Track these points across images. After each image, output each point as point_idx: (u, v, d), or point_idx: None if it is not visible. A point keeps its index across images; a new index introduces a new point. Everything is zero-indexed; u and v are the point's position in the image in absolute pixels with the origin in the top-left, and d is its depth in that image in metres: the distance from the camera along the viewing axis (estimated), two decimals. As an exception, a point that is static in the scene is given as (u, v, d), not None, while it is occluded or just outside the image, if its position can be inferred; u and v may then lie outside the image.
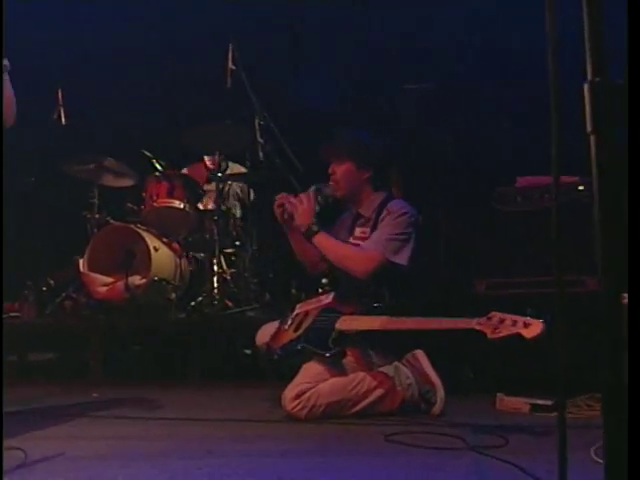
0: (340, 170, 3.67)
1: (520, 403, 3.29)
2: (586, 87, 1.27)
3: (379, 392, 3.27)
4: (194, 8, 5.44)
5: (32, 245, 5.53)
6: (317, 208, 3.65)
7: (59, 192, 5.66)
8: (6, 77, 3.67)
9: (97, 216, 5.27)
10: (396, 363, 3.37)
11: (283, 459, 2.62)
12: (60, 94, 5.33)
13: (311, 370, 3.35)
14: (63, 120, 5.36)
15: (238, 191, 5.52)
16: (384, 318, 3.20)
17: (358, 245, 3.64)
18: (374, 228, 3.62)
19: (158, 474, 2.42)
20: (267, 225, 5.13)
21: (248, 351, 4.16)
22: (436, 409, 3.26)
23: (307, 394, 3.22)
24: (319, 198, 3.68)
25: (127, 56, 5.77)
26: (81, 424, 3.34)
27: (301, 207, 3.61)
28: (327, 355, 3.31)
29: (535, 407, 3.23)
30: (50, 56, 5.71)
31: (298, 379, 3.32)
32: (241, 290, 4.99)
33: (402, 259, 3.46)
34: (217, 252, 4.98)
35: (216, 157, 5.19)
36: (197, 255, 5.20)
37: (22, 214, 5.45)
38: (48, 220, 5.67)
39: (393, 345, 3.38)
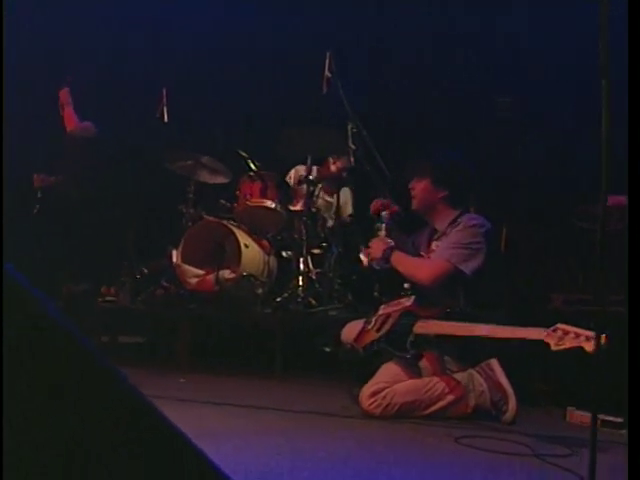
0: (419, 186, 3.84)
1: (590, 418, 3.32)
2: None
3: (450, 398, 3.39)
4: (296, 18, 5.62)
5: (130, 235, 5.71)
6: (384, 234, 3.92)
7: (158, 186, 5.87)
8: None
9: (192, 211, 5.44)
10: (470, 370, 3.47)
11: (355, 452, 2.78)
12: (165, 93, 5.54)
13: (389, 370, 3.50)
14: (165, 118, 5.57)
15: (327, 194, 5.64)
16: (458, 323, 3.33)
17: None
18: None
19: (240, 453, 2.61)
20: (353, 228, 5.26)
21: (328, 349, 4.28)
22: (507, 417, 3.35)
23: (383, 393, 3.37)
24: (388, 226, 3.94)
25: (229, 61, 5.98)
26: (169, 405, 3.54)
27: (372, 252, 3.90)
28: (406, 357, 3.46)
29: (604, 423, 3.26)
30: (157, 58, 5.95)
31: (376, 378, 3.47)
32: (325, 289, 5.08)
33: (467, 268, 3.56)
34: (304, 251, 5.10)
35: (309, 161, 5.25)
36: (285, 253, 5.34)
37: (122, 205, 5.70)
38: (147, 212, 5.83)
39: (468, 352, 3.49)
